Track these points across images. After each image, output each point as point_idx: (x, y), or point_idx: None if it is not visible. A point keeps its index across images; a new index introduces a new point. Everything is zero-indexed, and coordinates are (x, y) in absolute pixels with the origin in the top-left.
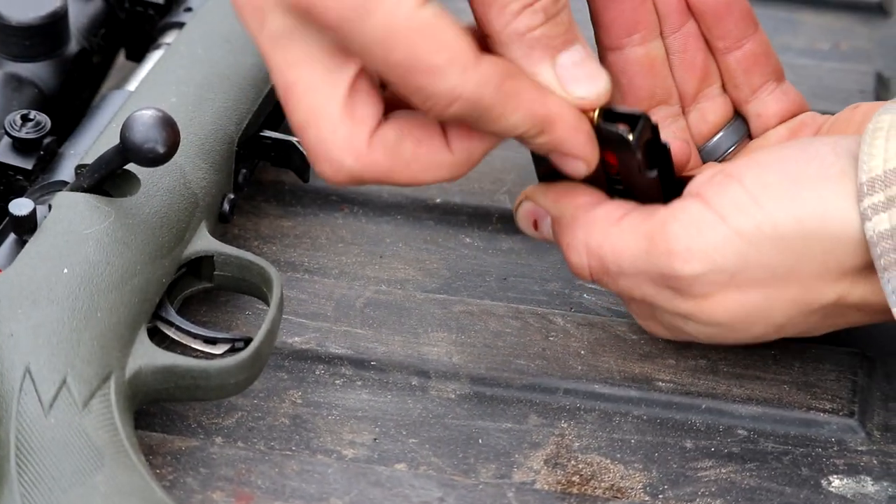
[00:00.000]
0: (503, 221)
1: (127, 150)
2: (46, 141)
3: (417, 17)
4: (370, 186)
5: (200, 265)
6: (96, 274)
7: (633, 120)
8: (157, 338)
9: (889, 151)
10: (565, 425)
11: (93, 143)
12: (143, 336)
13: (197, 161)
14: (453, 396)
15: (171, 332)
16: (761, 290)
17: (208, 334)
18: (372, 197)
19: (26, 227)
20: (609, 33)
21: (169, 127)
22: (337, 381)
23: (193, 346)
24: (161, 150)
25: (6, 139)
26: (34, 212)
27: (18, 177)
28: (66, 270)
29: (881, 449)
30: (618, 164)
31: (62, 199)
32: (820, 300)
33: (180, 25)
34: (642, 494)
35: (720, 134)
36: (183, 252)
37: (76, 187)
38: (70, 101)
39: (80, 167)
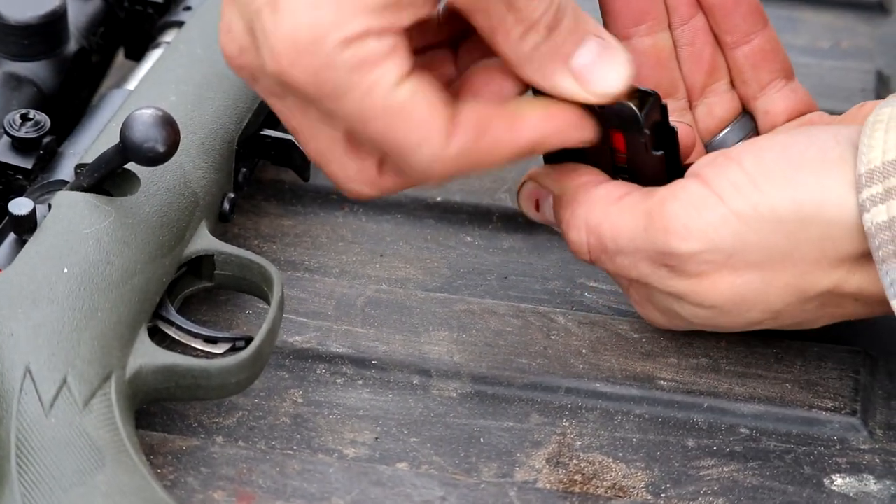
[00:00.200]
0: (504, 220)
1: (127, 150)
2: (46, 140)
3: (392, 97)
4: None
5: (201, 264)
6: (96, 273)
7: (644, 97)
8: (158, 337)
9: (888, 143)
10: (567, 424)
11: (92, 142)
12: (143, 335)
13: (197, 160)
14: (455, 395)
15: (171, 332)
16: (757, 273)
17: (209, 333)
18: None
19: (26, 227)
20: (616, 23)
21: (169, 126)
22: (338, 381)
23: (194, 345)
24: (161, 149)
25: (6, 138)
26: (34, 211)
27: (18, 176)
28: (66, 270)
29: (884, 447)
30: (625, 142)
31: (62, 198)
32: (816, 287)
33: (180, 24)
34: (644, 493)
35: (727, 129)
36: (183, 251)
37: (76, 186)
38: (69, 101)
39: (79, 166)
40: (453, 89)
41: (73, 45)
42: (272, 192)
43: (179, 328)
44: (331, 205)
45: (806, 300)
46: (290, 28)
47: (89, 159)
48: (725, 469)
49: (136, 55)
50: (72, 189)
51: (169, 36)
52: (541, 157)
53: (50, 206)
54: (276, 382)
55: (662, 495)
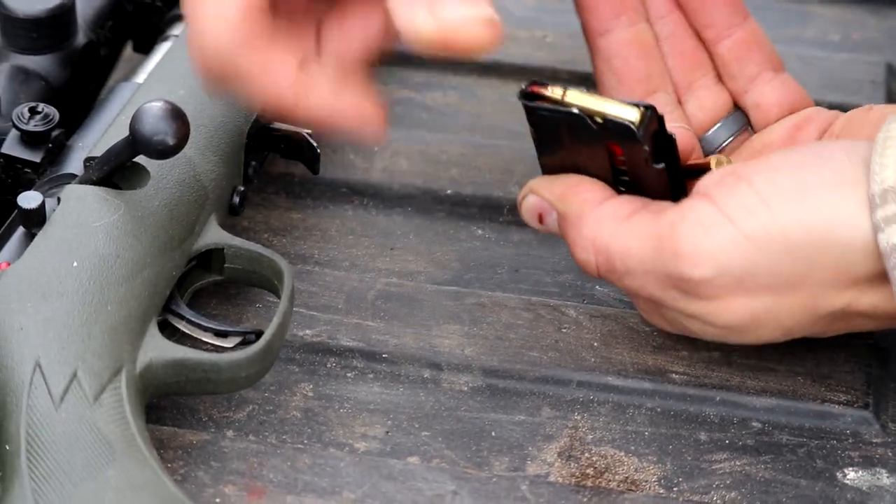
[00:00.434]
0: (514, 213)
1: (137, 143)
2: (55, 133)
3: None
4: (380, 178)
5: (210, 258)
6: (106, 267)
7: (641, 111)
8: (168, 331)
9: None
10: (579, 417)
11: (101, 135)
12: (153, 329)
13: (206, 153)
14: (466, 389)
15: (181, 326)
16: (769, 295)
17: (219, 327)
18: (382, 189)
19: (35, 221)
20: (595, 16)
21: (179, 119)
22: (348, 374)
23: (204, 339)
24: (171, 142)
25: (14, 132)
26: (43, 205)
27: (27, 170)
28: (75, 263)
29: None
30: (624, 155)
31: (71, 191)
32: (828, 306)
33: None
34: (657, 487)
35: (718, 125)
36: (193, 245)
37: (85, 180)
38: (78, 94)
39: (88, 160)
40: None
41: (81, 39)
42: (282, 185)
43: (189, 322)
44: (340, 198)
45: (817, 318)
46: None
47: (98, 152)
48: (738, 463)
49: (145, 48)
50: (81, 182)
51: (177, 29)
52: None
53: (59, 200)
54: (286, 376)
55: (675, 489)
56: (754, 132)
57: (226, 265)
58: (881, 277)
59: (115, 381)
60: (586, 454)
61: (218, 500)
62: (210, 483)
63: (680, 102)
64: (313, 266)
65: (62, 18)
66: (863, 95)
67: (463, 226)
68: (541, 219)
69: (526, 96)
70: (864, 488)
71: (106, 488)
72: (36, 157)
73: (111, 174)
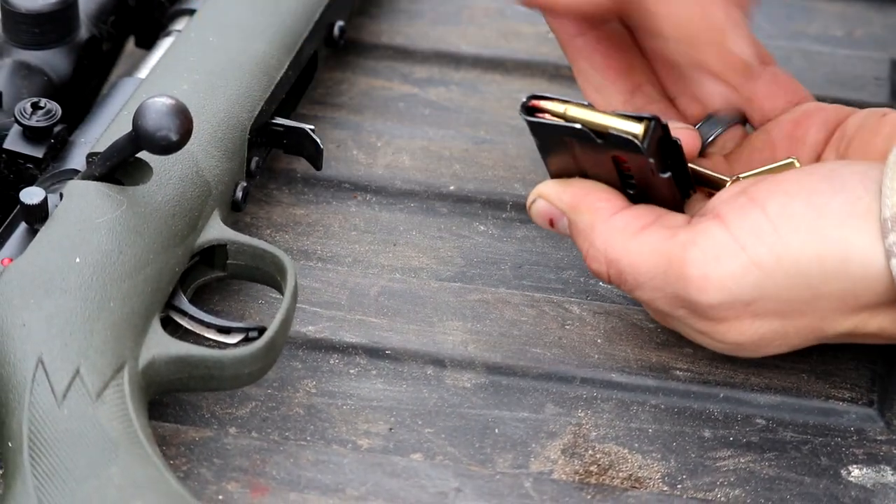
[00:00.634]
0: (517, 209)
1: (139, 138)
2: (57, 129)
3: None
4: (383, 174)
5: (213, 254)
6: (109, 263)
7: (644, 124)
8: (171, 327)
9: None
10: (582, 414)
11: (104, 131)
12: (156, 326)
13: (209, 149)
14: (469, 385)
15: (184, 322)
16: (777, 319)
17: (222, 324)
18: (385, 185)
19: (38, 216)
20: (567, 22)
21: (182, 114)
22: (351, 371)
23: (207, 335)
24: (174, 137)
25: (16, 127)
26: (45, 200)
27: (29, 165)
28: (78, 259)
29: None
30: (630, 164)
31: (74, 187)
32: (835, 329)
33: (191, 12)
34: (660, 484)
35: (711, 119)
36: (196, 240)
37: (88, 175)
38: (80, 89)
39: (91, 155)
40: None
41: (83, 34)
42: (284, 181)
43: (192, 318)
44: (343, 194)
45: (824, 339)
46: None
47: (101, 148)
48: (742, 460)
49: (147, 44)
50: (83, 178)
51: (180, 24)
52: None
53: (61, 196)
54: (289, 373)
55: (678, 486)
56: (751, 126)
57: (229, 261)
58: (890, 302)
59: (117, 378)
60: (590, 451)
61: (221, 497)
62: (213, 480)
63: (668, 97)
64: (316, 262)
65: (64, 13)
66: (866, 92)
67: (466, 222)
68: (552, 223)
69: (527, 110)
70: (868, 485)
71: (109, 485)
72: (38, 153)
73: (114, 170)
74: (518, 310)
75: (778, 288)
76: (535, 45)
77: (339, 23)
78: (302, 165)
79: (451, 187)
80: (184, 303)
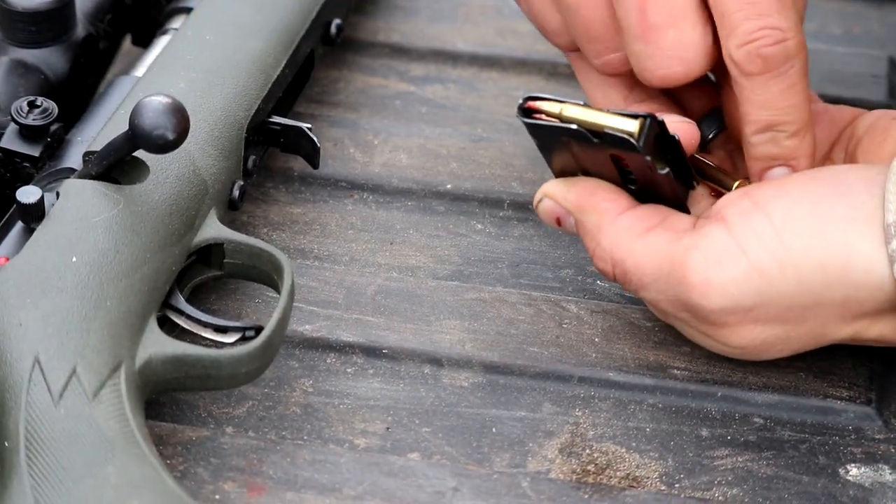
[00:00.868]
0: (515, 208)
1: (136, 137)
2: (54, 128)
3: None
4: (380, 172)
5: (210, 253)
6: (105, 262)
7: (640, 122)
8: (167, 327)
9: None
10: (580, 413)
11: (100, 129)
12: (153, 325)
13: (206, 148)
14: (466, 385)
15: (181, 321)
16: (778, 325)
17: (219, 323)
18: (382, 183)
19: (34, 215)
20: None
21: (179, 113)
22: (348, 370)
23: (204, 334)
24: (171, 136)
25: (13, 126)
26: (42, 199)
27: (26, 164)
28: (74, 259)
29: None
30: (628, 162)
31: (70, 186)
32: (836, 335)
33: (188, 10)
34: (658, 484)
35: (713, 113)
36: (193, 239)
37: (84, 174)
38: (77, 88)
39: (88, 154)
40: None
41: (80, 32)
42: (281, 179)
43: (189, 317)
44: (340, 192)
45: (826, 343)
46: None
47: (97, 147)
48: (740, 459)
49: (144, 42)
50: (80, 177)
51: (177, 22)
52: (545, 165)
53: (58, 195)
54: (286, 372)
55: (676, 485)
56: None
57: (225, 260)
58: (891, 309)
59: (114, 378)
60: (587, 450)
61: (217, 496)
62: (209, 479)
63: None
64: (313, 261)
65: (61, 11)
66: (864, 90)
67: (463, 220)
68: (559, 222)
69: (524, 112)
70: (866, 485)
71: (105, 485)
72: (35, 152)
73: (110, 169)
74: (515, 309)
75: (780, 294)
76: (532, 42)
77: (336, 21)
78: (299, 164)
79: (449, 186)
80: (181, 302)
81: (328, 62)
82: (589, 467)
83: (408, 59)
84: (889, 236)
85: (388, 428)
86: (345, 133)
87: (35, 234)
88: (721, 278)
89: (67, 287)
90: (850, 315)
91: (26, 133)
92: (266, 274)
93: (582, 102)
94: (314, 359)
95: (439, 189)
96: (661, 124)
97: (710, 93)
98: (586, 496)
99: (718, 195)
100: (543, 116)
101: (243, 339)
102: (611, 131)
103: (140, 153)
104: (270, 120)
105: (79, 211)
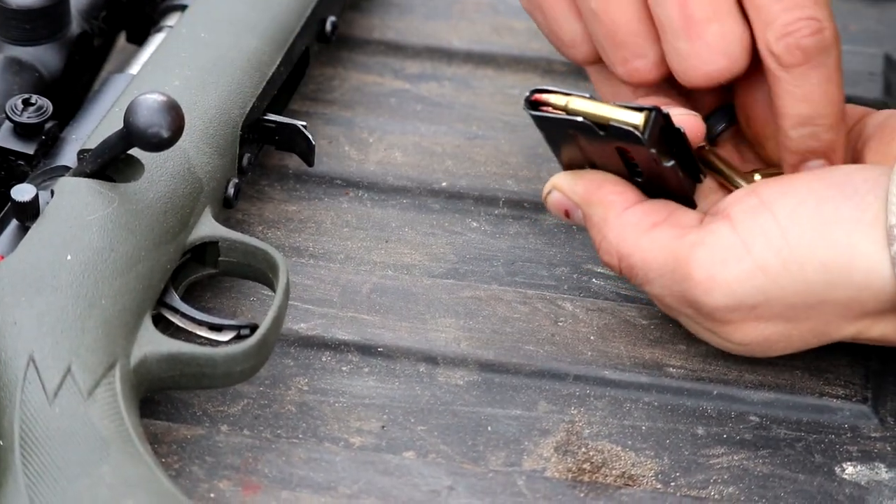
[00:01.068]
0: (510, 205)
1: (131, 135)
2: (48, 125)
3: None
4: (375, 170)
5: (205, 251)
6: (100, 260)
7: (645, 114)
8: (162, 325)
9: None
10: (575, 412)
11: (95, 127)
12: (147, 323)
13: (201, 145)
14: (461, 383)
15: (176, 320)
16: (781, 322)
17: (214, 321)
18: (377, 181)
19: (29, 214)
20: None
21: (173, 111)
22: (344, 368)
23: (199, 333)
24: (166, 134)
25: (7, 124)
26: (36, 197)
27: (20, 162)
28: (69, 257)
29: (895, 435)
30: (634, 155)
31: (65, 184)
32: (839, 334)
33: (182, 8)
34: (654, 482)
35: (722, 107)
36: (187, 238)
37: (79, 172)
38: (71, 85)
39: (82, 152)
40: None
41: (74, 29)
42: (276, 177)
43: (184, 316)
44: (335, 190)
45: (828, 342)
46: None
47: (92, 145)
48: (735, 457)
49: (138, 39)
50: (75, 175)
51: (171, 19)
52: (545, 163)
53: (53, 193)
54: (281, 370)
55: (672, 484)
56: None
57: (220, 258)
58: (894, 310)
59: (109, 376)
60: (583, 449)
61: (212, 495)
62: (204, 478)
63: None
64: (308, 259)
65: (56, 9)
66: (860, 87)
67: (458, 218)
68: (567, 214)
69: (530, 104)
70: (862, 483)
71: (100, 484)
72: (29, 150)
73: (105, 167)
74: (511, 307)
75: (783, 292)
76: (528, 40)
77: (331, 18)
78: (294, 162)
79: (444, 183)
80: (175, 300)
81: (323, 60)
82: (584, 466)
83: (403, 57)
84: (892, 238)
85: (383, 426)
86: (340, 131)
87: (30, 232)
88: (725, 276)
89: (62, 285)
90: (853, 315)
91: (21, 131)
92: (261, 272)
93: (588, 95)
94: (309, 357)
95: (434, 187)
96: (667, 117)
97: (719, 90)
98: (582, 495)
99: (727, 189)
100: (550, 109)
101: (238, 338)
102: (616, 124)
103: (135, 151)
104: (265, 118)
105: (73, 209)
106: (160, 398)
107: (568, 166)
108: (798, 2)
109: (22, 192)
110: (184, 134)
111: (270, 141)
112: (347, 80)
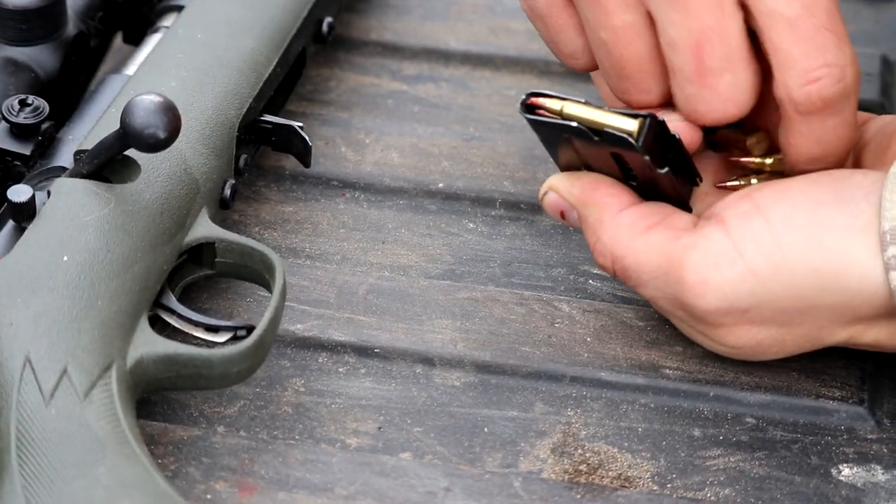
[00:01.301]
0: (506, 207)
1: (127, 136)
2: (45, 126)
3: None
4: (371, 171)
5: (201, 252)
6: (96, 261)
7: (640, 121)
8: (159, 326)
9: None
10: (572, 413)
11: (92, 128)
12: (144, 324)
13: (197, 146)
14: (458, 384)
15: (172, 320)
16: (773, 327)
17: (210, 322)
18: (373, 182)
19: (25, 214)
20: None
21: (170, 112)
22: (340, 369)
23: (195, 334)
24: (162, 135)
25: (4, 124)
26: (33, 198)
27: (16, 162)
28: (65, 258)
29: (891, 437)
30: (629, 160)
31: (61, 185)
32: (832, 339)
33: (179, 8)
34: (650, 484)
35: None
36: (184, 239)
37: (75, 173)
38: (68, 86)
39: (79, 153)
40: None
41: (71, 30)
42: (273, 178)
43: (180, 317)
44: (332, 191)
45: (821, 346)
46: None
47: (88, 145)
48: (732, 459)
49: (135, 40)
50: (71, 176)
51: (168, 20)
52: (540, 165)
53: (49, 193)
54: (277, 371)
55: (668, 486)
56: None
57: (217, 259)
58: (886, 315)
59: (105, 377)
60: (579, 450)
61: (209, 496)
62: (201, 479)
63: None
64: (304, 260)
65: (52, 9)
66: None
67: (455, 219)
68: (563, 215)
69: (526, 108)
70: (858, 485)
71: (96, 486)
72: (26, 150)
73: (101, 167)
74: (507, 308)
75: (774, 297)
76: (525, 41)
77: (328, 19)
78: (290, 163)
79: (440, 185)
80: (172, 301)
81: (320, 60)
82: (581, 467)
83: (400, 58)
84: (885, 244)
85: (379, 428)
86: (336, 132)
87: (26, 233)
88: (717, 279)
89: (58, 286)
90: (845, 320)
91: (17, 131)
92: (258, 273)
93: (583, 100)
94: (306, 358)
95: (431, 188)
96: (662, 124)
97: None
98: (578, 496)
99: (725, 190)
100: (545, 113)
101: (235, 339)
102: (610, 130)
103: (131, 152)
104: (262, 118)
105: (70, 210)
106: (156, 399)
107: (565, 168)
108: (820, 45)
109: (18, 193)
110: (180, 135)
111: (267, 142)
112: (344, 81)
